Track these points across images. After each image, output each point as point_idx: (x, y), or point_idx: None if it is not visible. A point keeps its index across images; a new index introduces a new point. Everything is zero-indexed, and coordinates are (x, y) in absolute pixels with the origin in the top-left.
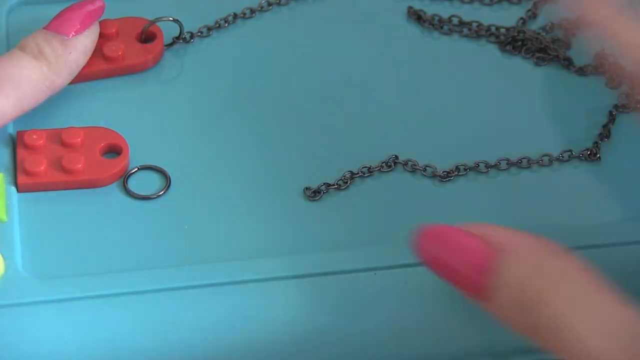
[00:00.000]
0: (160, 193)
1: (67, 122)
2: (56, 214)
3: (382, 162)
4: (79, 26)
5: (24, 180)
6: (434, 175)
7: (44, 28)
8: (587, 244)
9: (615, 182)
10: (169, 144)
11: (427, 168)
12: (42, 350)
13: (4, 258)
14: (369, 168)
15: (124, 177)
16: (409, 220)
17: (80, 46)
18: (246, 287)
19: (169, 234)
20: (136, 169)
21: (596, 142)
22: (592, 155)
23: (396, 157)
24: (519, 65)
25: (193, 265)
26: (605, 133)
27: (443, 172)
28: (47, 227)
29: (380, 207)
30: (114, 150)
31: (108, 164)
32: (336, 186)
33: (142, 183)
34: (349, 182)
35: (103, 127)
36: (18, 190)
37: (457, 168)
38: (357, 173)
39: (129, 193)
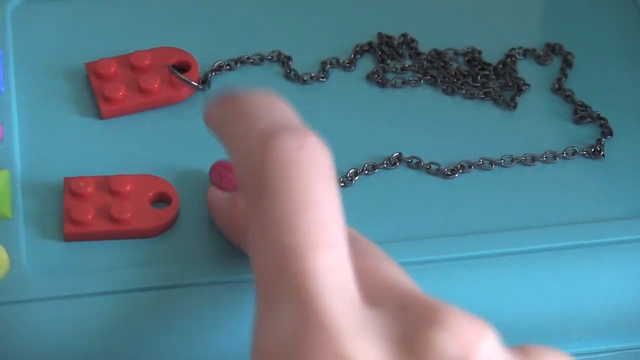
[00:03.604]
0: None
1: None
2: (61, 210)
3: (386, 159)
4: None
5: (70, 230)
6: (438, 172)
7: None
8: (591, 241)
9: (619, 180)
10: None
11: (432, 165)
12: (48, 347)
13: (9, 255)
14: (373, 165)
15: None
16: (414, 218)
17: None
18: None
19: (178, 229)
20: None
21: (600, 140)
22: (596, 153)
23: (400, 154)
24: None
25: (199, 263)
26: (609, 130)
27: (447, 169)
28: (53, 224)
29: (384, 204)
30: (163, 199)
31: (157, 214)
32: (341, 183)
33: None
34: (353, 179)
35: (152, 175)
36: (65, 239)
37: (462, 165)
38: (361, 170)
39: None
